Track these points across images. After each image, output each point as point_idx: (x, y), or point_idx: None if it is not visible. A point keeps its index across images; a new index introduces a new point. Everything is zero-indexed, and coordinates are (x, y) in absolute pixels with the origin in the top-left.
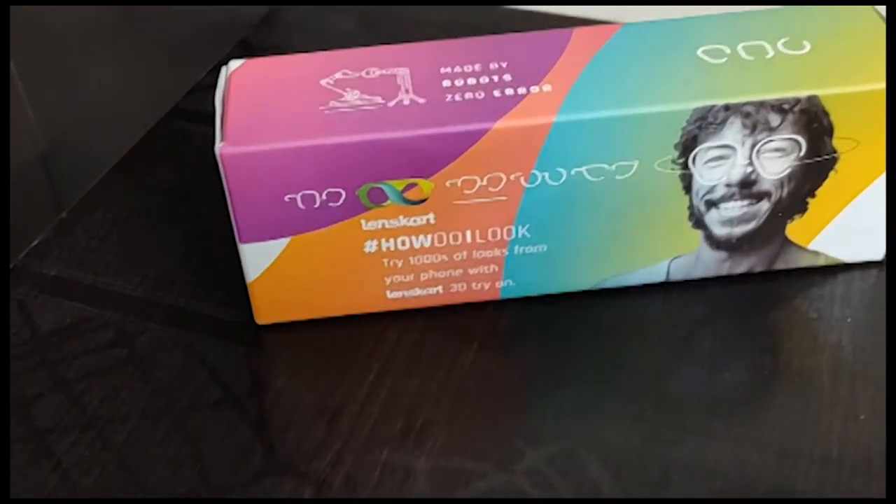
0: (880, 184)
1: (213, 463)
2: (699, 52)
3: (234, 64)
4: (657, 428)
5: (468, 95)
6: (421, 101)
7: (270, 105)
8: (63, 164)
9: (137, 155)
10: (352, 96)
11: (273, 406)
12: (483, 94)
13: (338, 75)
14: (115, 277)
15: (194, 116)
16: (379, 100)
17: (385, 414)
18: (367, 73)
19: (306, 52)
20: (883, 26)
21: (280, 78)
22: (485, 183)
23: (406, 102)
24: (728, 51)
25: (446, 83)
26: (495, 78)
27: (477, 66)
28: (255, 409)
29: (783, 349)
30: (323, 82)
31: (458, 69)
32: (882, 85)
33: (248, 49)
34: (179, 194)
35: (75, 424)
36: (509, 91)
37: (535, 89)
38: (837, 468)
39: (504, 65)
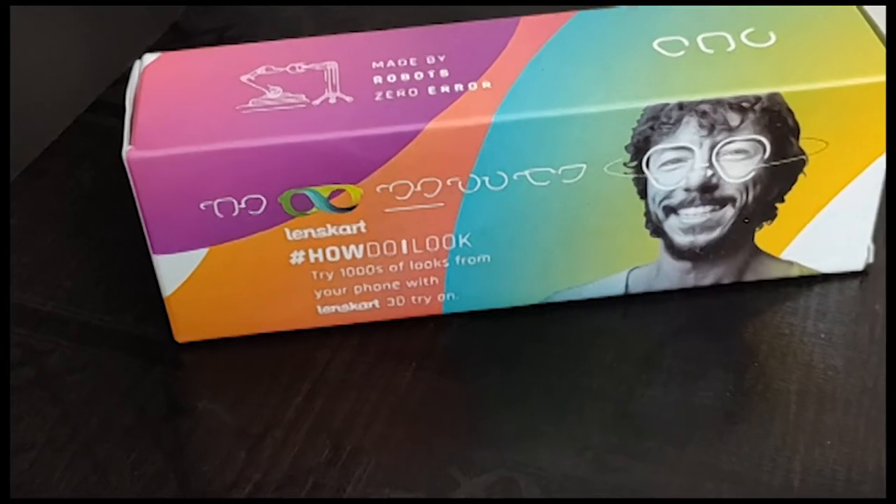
0: (856, 187)
1: (121, 494)
2: (655, 44)
3: (149, 58)
4: (605, 455)
5: (400, 93)
6: (348, 99)
7: (185, 104)
8: None
9: (53, 154)
10: (274, 94)
11: (190, 432)
12: (416, 92)
13: (260, 70)
14: (24, 291)
15: (119, 111)
16: (303, 98)
17: (311, 440)
18: (293, 68)
19: (244, 40)
20: (862, 21)
21: (197, 73)
22: (419, 188)
23: (332, 101)
24: (686, 43)
25: (377, 79)
26: (431, 73)
27: (412, 61)
28: (170, 435)
29: (750, 368)
30: (243, 78)
31: (391, 64)
32: (852, 81)
33: (179, 34)
34: (97, 199)
35: None
36: (445, 88)
37: (473, 86)
38: (798, 498)
39: (442, 59)
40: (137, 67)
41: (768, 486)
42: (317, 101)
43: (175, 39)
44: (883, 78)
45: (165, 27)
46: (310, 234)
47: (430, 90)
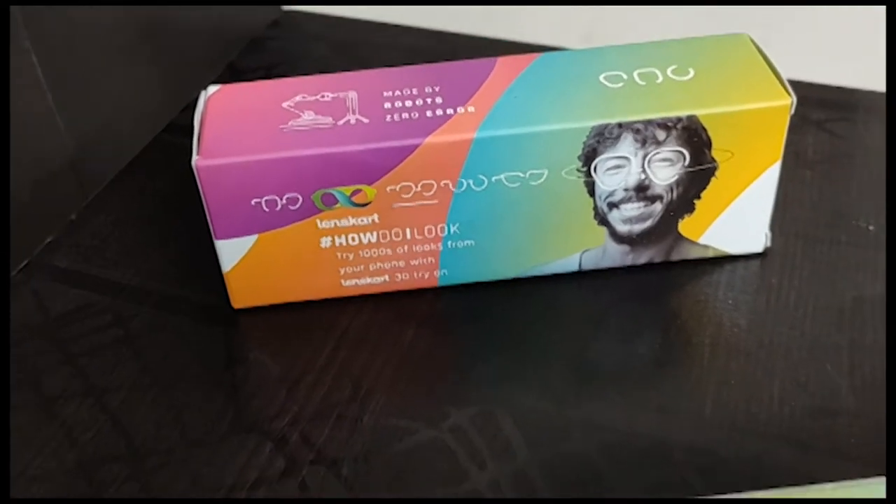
0: (756, 187)
1: (191, 424)
2: (601, 77)
3: (212, 89)
4: (562, 393)
5: (405, 115)
6: (365, 120)
7: (240, 124)
8: (88, 167)
9: (137, 166)
10: (308, 117)
11: (244, 377)
12: (417, 115)
13: (297, 98)
14: (115, 270)
15: (188, 131)
16: (330, 120)
17: (336, 383)
18: (322, 96)
19: (285, 75)
20: (755, 52)
21: (249, 101)
22: (419, 189)
23: (353, 122)
24: (625, 77)
25: (387, 105)
26: (429, 100)
27: (415, 90)
28: (228, 380)
29: (674, 327)
30: (284, 105)
31: (398, 93)
32: (750, 106)
33: (234, 72)
34: (172, 200)
35: (78, 392)
36: (439, 112)
37: (461, 110)
38: (708, 424)
39: (437, 89)
40: (203, 96)
41: (686, 413)
42: (341, 122)
43: (231, 75)
44: (769, 104)
45: (224, 66)
46: (335, 224)
47: (428, 113)
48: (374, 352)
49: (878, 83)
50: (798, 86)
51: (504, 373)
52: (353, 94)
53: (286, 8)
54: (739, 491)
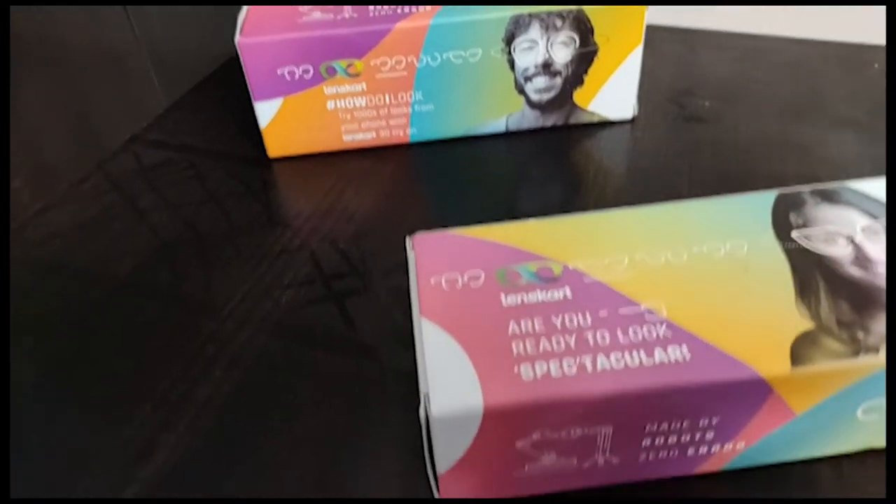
0: (625, 66)
1: (238, 219)
2: None
3: (244, 9)
4: (494, 217)
5: (383, 12)
6: (355, 15)
7: (269, 19)
8: (164, 70)
9: (211, 79)
10: (317, 15)
11: (275, 199)
12: (392, 11)
13: (311, 7)
14: (194, 138)
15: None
16: (331, 16)
17: (341, 213)
18: (325, 8)
19: None
20: None
21: (277, 10)
22: (393, 63)
23: (347, 17)
24: None
25: (371, 8)
26: (404, 7)
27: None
28: (264, 199)
29: (573, 167)
30: (301, 9)
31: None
32: (617, 5)
33: None
34: (224, 88)
35: (165, 207)
36: (408, 9)
37: (422, 8)
38: None
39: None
40: (243, 13)
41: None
42: (339, 17)
43: None
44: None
45: None
46: (336, 90)
47: (399, 10)
48: (368, 186)
49: None
50: None
51: (453, 203)
52: (348, 8)
53: None
54: None
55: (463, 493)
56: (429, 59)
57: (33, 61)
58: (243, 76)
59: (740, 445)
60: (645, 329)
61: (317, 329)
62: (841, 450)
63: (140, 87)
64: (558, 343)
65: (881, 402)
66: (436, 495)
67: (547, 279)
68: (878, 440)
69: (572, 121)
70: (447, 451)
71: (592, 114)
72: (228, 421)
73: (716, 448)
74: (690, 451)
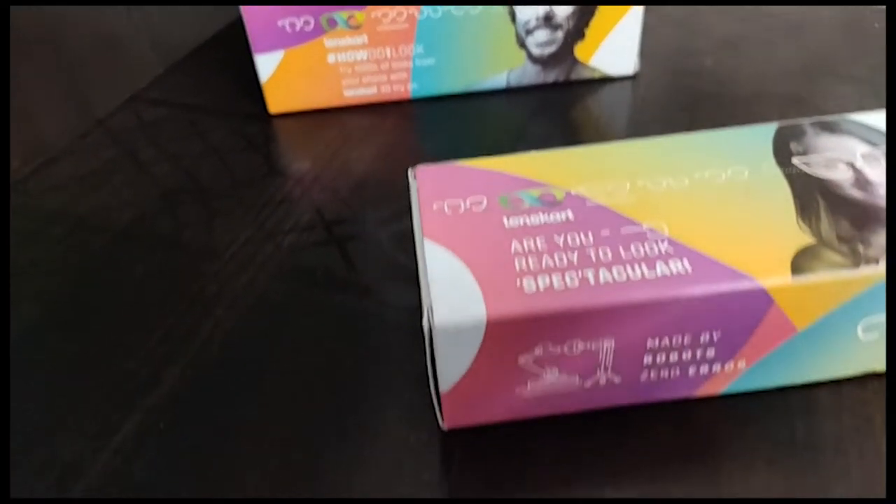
0: (625, 22)
1: (239, 171)
2: None
3: None
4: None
5: None
6: None
7: None
8: (161, 46)
9: (208, 45)
10: None
11: (276, 152)
12: None
13: None
14: (194, 97)
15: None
16: None
17: (342, 167)
18: None
19: None
20: None
21: None
22: (394, 15)
23: None
24: None
25: None
26: None
27: None
28: (265, 152)
29: (574, 124)
30: None
31: None
32: None
33: None
34: (225, 48)
35: (166, 160)
36: None
37: None
38: None
39: None
40: None
41: None
42: None
43: None
44: None
45: None
46: (337, 43)
47: None
48: (367, 142)
49: None
50: None
51: (455, 150)
52: None
53: None
54: None
55: (466, 419)
56: (430, 11)
57: (31, 39)
58: (241, 41)
59: (741, 364)
60: (647, 245)
61: (318, 271)
62: (841, 373)
63: (137, 62)
64: (560, 259)
65: (881, 318)
66: (440, 424)
67: (549, 203)
68: (878, 363)
69: (574, 76)
70: (450, 367)
71: (594, 69)
72: (231, 356)
73: (717, 367)
74: (692, 371)
